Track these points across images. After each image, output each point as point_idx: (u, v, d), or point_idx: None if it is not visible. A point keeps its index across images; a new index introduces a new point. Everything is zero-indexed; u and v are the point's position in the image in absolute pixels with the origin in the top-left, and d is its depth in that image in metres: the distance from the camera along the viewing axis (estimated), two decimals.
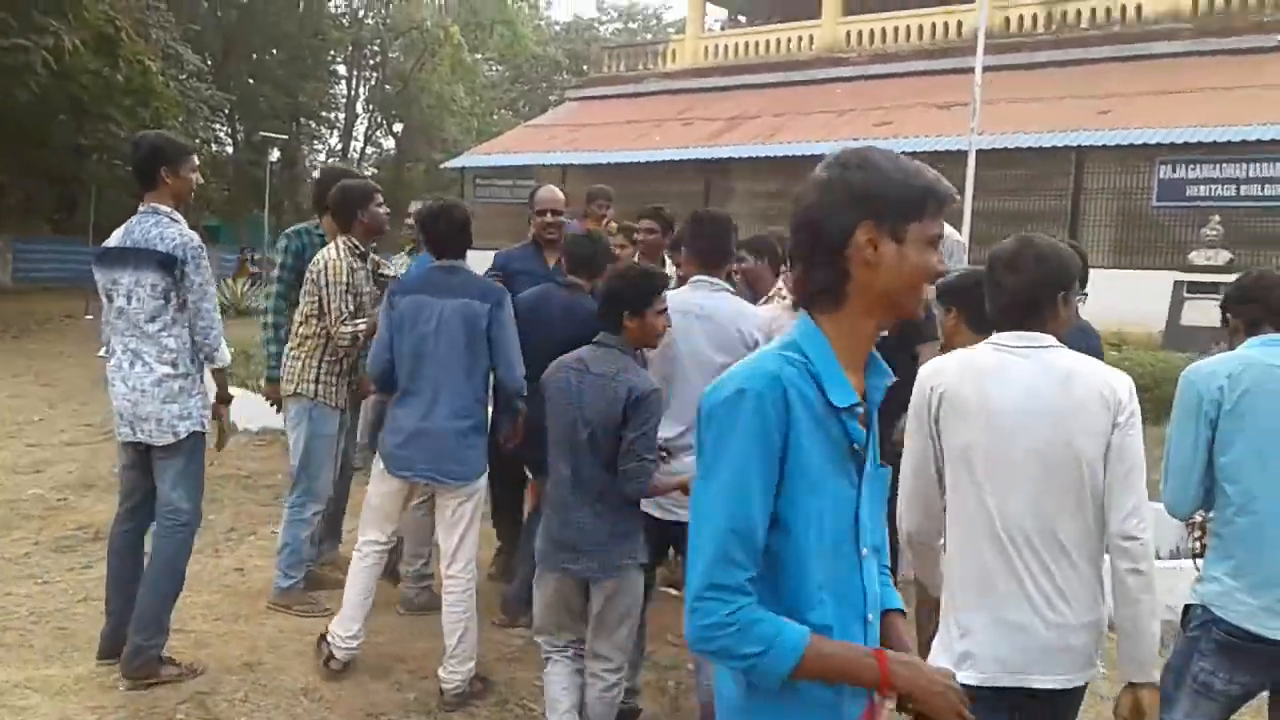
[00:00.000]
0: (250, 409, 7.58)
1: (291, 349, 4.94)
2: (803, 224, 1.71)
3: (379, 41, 41.67)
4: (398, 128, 45.21)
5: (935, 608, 2.66)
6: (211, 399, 4.28)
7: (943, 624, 2.55)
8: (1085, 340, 3.54)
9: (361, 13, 41.71)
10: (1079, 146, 20.83)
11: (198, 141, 24.94)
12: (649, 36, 40.56)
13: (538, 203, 5.32)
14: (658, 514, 3.69)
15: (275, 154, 29.53)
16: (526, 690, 4.19)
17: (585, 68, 36.30)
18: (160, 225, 4.07)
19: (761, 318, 3.90)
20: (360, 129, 45.61)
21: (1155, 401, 9.82)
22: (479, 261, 4.48)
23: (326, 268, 4.76)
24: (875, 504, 1.77)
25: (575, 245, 4.61)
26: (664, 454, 3.55)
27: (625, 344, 3.45)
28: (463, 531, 4.13)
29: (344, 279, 4.75)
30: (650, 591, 3.85)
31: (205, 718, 3.86)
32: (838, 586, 1.69)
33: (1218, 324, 3.28)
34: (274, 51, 37.51)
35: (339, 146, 44.72)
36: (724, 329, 3.75)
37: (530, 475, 4.95)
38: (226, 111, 34.04)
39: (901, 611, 1.92)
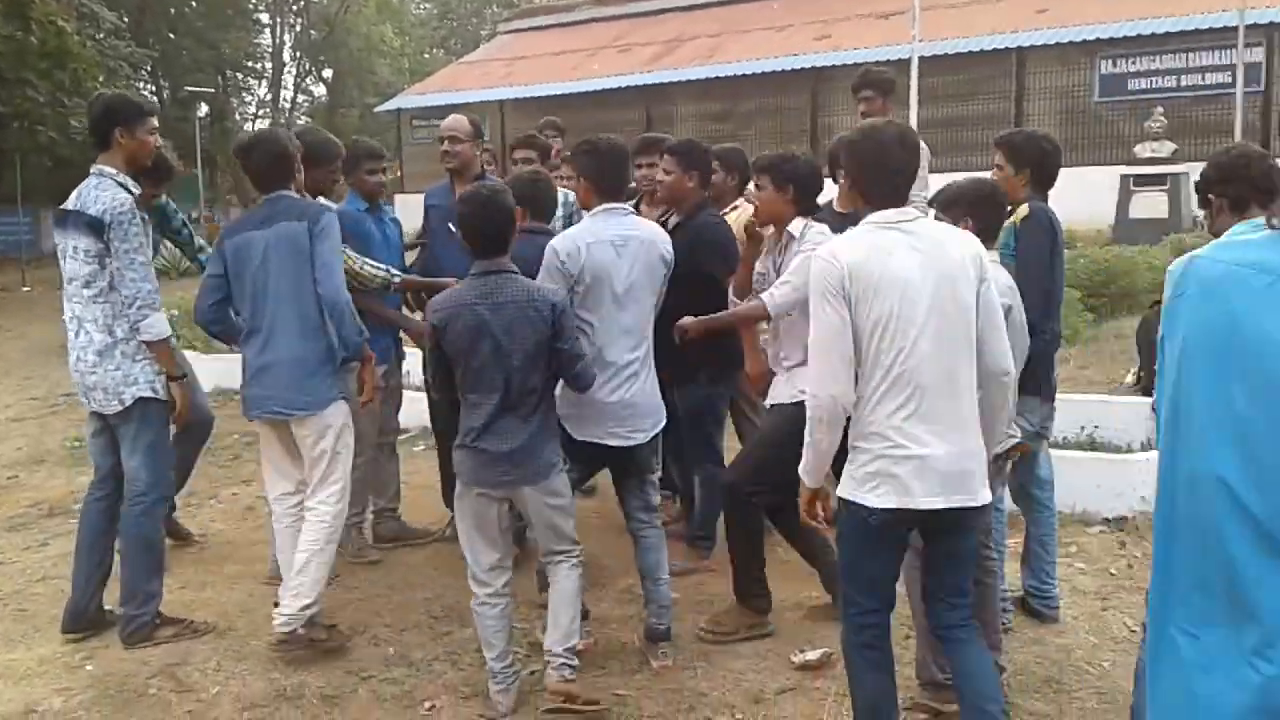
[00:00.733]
0: (202, 370, 7.36)
1: None
2: None
3: None
4: (327, 74, 44.18)
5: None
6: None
7: (851, 456, 2.80)
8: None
9: None
10: (1019, 48, 20.77)
11: None
12: None
13: (439, 131, 5.27)
14: (613, 443, 3.76)
15: (203, 109, 28.73)
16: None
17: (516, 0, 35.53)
18: (100, 188, 3.93)
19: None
20: (289, 78, 44.57)
21: (1114, 296, 9.94)
22: (417, 203, 4.31)
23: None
24: None
25: (518, 187, 4.45)
26: None
27: (506, 265, 3.47)
28: (325, 466, 3.94)
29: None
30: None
31: (178, 689, 3.74)
32: None
33: (1166, 215, 3.23)
34: (193, 4, 36.34)
35: (268, 97, 43.61)
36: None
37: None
38: (149, 69, 32.97)
39: None
